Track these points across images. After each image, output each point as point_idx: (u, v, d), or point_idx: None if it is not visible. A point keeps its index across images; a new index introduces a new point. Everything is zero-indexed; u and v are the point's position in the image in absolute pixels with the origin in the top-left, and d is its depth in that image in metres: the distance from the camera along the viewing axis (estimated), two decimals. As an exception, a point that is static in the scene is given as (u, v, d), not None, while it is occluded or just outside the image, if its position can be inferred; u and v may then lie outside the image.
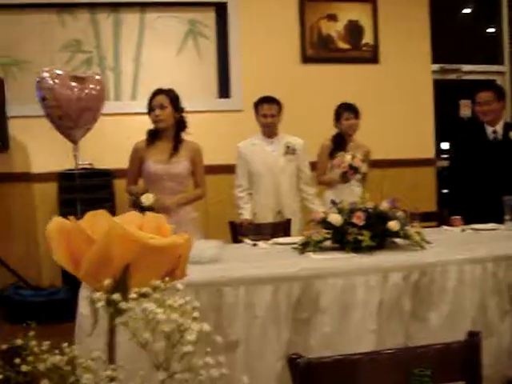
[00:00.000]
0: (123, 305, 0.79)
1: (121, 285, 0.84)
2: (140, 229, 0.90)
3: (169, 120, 4.05)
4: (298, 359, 1.35)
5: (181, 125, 4.10)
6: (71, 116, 4.55)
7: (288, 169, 4.82)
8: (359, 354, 1.39)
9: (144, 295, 0.80)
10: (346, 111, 5.03)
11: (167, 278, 0.88)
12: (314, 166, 5.14)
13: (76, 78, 4.74)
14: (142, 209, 3.87)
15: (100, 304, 0.80)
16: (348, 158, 4.73)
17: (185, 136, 4.15)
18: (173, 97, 4.09)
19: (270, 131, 4.82)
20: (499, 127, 4.76)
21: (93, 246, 0.86)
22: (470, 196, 4.77)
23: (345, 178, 4.79)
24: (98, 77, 4.99)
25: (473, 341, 1.51)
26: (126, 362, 0.92)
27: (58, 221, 0.90)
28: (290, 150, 4.82)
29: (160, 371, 0.77)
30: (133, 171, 4.16)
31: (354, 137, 5.10)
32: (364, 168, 4.79)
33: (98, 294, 0.80)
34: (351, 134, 5.06)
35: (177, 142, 4.08)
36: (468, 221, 4.30)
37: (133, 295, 0.80)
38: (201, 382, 0.80)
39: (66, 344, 0.87)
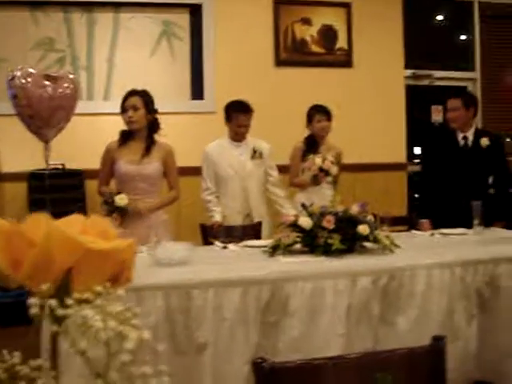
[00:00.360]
0: (60, 311, 0.78)
1: (62, 290, 0.82)
2: (84, 232, 0.89)
3: (141, 121, 4.04)
4: (262, 363, 1.35)
5: (154, 126, 4.09)
6: (42, 115, 4.50)
7: (255, 172, 4.81)
8: (323, 358, 1.39)
9: (83, 301, 0.79)
10: (318, 113, 5.05)
11: (110, 284, 0.86)
12: (286, 168, 5.15)
13: (48, 77, 4.69)
14: (116, 209, 3.86)
15: (34, 310, 0.78)
16: (318, 160, 4.76)
17: (158, 138, 4.14)
18: (146, 98, 4.08)
19: (241, 137, 4.80)
20: (470, 134, 4.82)
21: (33, 249, 0.84)
22: (439, 201, 4.82)
23: (316, 180, 4.82)
24: (71, 76, 4.94)
25: (437, 345, 1.52)
26: (71, 369, 0.91)
27: None
28: (257, 155, 4.81)
29: (98, 380, 0.76)
30: (105, 172, 4.14)
31: (326, 139, 5.12)
32: (334, 170, 4.81)
33: (33, 300, 0.79)
34: (323, 135, 5.08)
35: (149, 144, 4.07)
36: (438, 225, 4.34)
37: (70, 301, 0.78)
38: None
39: (5, 351, 0.85)
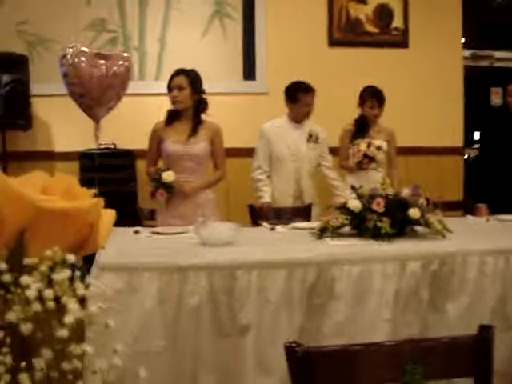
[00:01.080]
0: (6, 277, 0.72)
1: (15, 253, 0.76)
2: (45, 191, 0.83)
3: (187, 101, 4.01)
4: (295, 347, 1.29)
5: (200, 106, 4.05)
6: (93, 94, 4.51)
7: (309, 156, 4.77)
8: (359, 344, 1.32)
9: (32, 267, 0.73)
10: (371, 99, 4.92)
11: (76, 249, 0.80)
12: (337, 150, 5.06)
13: (100, 56, 4.69)
14: (163, 185, 3.86)
15: None
16: (363, 146, 4.66)
17: (206, 117, 4.10)
18: (193, 78, 4.04)
19: (306, 117, 4.75)
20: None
21: None
22: (497, 186, 4.65)
23: (359, 167, 4.72)
24: (124, 55, 4.92)
25: (484, 335, 1.44)
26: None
27: None
28: (313, 138, 4.76)
29: (35, 358, 0.69)
30: (152, 152, 4.14)
31: (378, 120, 5.00)
32: (380, 156, 4.70)
33: None
34: (373, 121, 4.97)
35: (196, 123, 4.04)
36: (495, 211, 4.19)
37: (3, 266, 0.72)
38: (78, 370, 0.70)
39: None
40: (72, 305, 0.69)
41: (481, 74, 7.05)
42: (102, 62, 4.63)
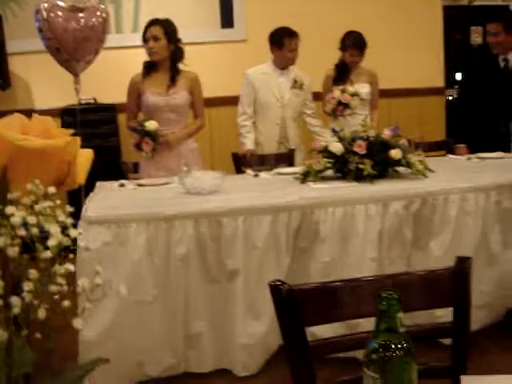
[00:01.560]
0: None
1: None
2: (24, 132, 0.86)
3: (163, 52, 3.96)
4: (280, 286, 1.33)
5: (177, 56, 4.01)
6: (68, 48, 4.44)
7: (294, 102, 4.75)
8: (341, 280, 1.37)
9: (14, 201, 0.77)
10: (352, 47, 4.88)
11: (57, 186, 0.84)
12: (319, 96, 5.05)
13: (75, 9, 4.60)
14: (148, 134, 3.84)
15: None
16: (337, 93, 4.65)
17: (183, 67, 4.06)
18: (168, 27, 3.98)
19: (292, 62, 4.72)
20: (511, 56, 4.62)
21: None
22: (478, 125, 4.68)
23: (334, 114, 4.72)
24: (101, 6, 4.82)
25: (461, 267, 1.48)
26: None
27: None
28: (297, 85, 4.74)
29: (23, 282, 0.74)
30: (132, 105, 4.11)
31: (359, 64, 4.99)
32: (355, 103, 4.68)
33: None
34: (354, 66, 4.95)
35: (173, 73, 4.00)
36: (476, 150, 4.23)
37: None
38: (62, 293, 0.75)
39: None
40: (54, 229, 0.73)
41: (460, 12, 7.00)
42: (77, 15, 4.55)
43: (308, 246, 2.97)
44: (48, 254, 0.74)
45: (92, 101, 5.71)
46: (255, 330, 2.94)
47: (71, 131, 0.90)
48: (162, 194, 3.27)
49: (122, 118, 5.48)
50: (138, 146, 3.88)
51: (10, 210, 0.73)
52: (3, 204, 0.73)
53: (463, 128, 4.88)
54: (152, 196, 3.25)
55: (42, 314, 0.74)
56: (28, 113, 5.19)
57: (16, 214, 0.72)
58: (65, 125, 5.57)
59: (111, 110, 5.72)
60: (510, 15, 4.81)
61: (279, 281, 1.35)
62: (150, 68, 4.03)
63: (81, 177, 0.92)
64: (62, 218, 0.76)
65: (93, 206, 3.00)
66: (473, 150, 4.29)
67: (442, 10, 6.64)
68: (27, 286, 0.73)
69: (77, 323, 0.77)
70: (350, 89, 4.69)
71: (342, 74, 4.89)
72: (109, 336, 2.72)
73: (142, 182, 3.69)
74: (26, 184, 0.79)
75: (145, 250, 2.80)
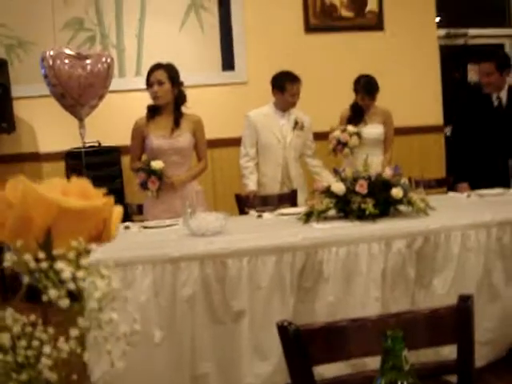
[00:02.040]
0: (32, 265, 0.81)
1: (43, 248, 0.85)
2: (64, 193, 0.92)
3: (167, 96, 4.04)
4: (287, 326, 1.36)
5: (180, 99, 4.09)
6: (73, 94, 4.54)
7: (296, 143, 4.82)
8: (347, 320, 1.40)
9: (60, 257, 0.83)
10: (363, 91, 4.99)
11: (92, 242, 0.90)
12: (321, 136, 5.13)
13: (79, 56, 4.72)
14: (154, 173, 3.89)
15: (7, 263, 0.82)
16: (337, 132, 4.77)
17: (185, 110, 4.14)
18: (171, 71, 4.07)
19: (293, 106, 4.80)
20: (503, 93, 4.70)
21: (12, 210, 0.88)
22: (475, 162, 4.73)
23: (334, 152, 4.85)
24: (104, 53, 4.95)
25: (464, 305, 1.52)
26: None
27: None
28: (298, 126, 4.82)
29: (71, 328, 0.80)
30: (136, 148, 4.16)
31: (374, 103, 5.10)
32: (353, 142, 4.79)
33: (7, 254, 0.83)
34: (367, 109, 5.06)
35: (177, 116, 4.08)
36: (474, 186, 4.28)
37: (42, 255, 0.82)
38: (106, 338, 0.82)
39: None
40: (99, 282, 0.80)
41: (457, 51, 7.14)
42: (83, 62, 4.67)
43: (312, 286, 3.00)
44: (94, 304, 0.79)
45: (96, 144, 5.79)
46: (261, 371, 2.95)
47: (104, 190, 0.96)
48: (167, 236, 3.31)
49: (125, 161, 5.56)
50: (144, 185, 3.92)
51: (59, 265, 0.78)
52: (51, 260, 0.79)
53: (462, 165, 4.91)
54: (157, 238, 3.29)
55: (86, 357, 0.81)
56: (32, 156, 5.26)
57: (65, 269, 0.78)
58: (69, 168, 5.65)
59: (115, 152, 5.80)
60: (502, 55, 4.87)
61: (286, 321, 1.38)
62: (153, 112, 4.10)
63: (114, 232, 0.98)
64: (104, 271, 0.82)
65: (99, 248, 3.03)
66: (472, 186, 4.34)
67: (441, 49, 6.77)
68: (74, 332, 0.79)
69: (118, 364, 0.84)
70: (351, 128, 4.78)
71: (357, 114, 5.00)
72: (115, 377, 2.73)
73: (146, 224, 3.73)
74: (66, 240, 0.85)
75: (151, 291, 2.84)
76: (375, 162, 4.66)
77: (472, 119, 4.80)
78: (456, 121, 5.29)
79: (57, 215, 0.87)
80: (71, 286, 0.80)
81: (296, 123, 4.81)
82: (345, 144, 4.79)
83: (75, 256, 0.83)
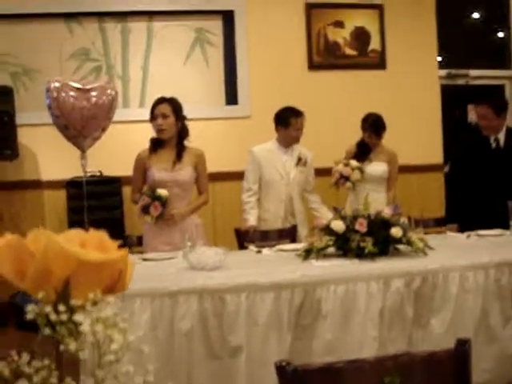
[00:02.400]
0: (53, 317, 0.83)
1: (62, 297, 0.88)
2: (82, 245, 0.94)
3: (171, 129, 4.08)
4: (285, 366, 1.37)
5: (183, 133, 4.13)
6: (76, 125, 4.58)
7: (299, 179, 4.85)
8: (344, 361, 1.41)
9: (78, 308, 0.85)
10: (370, 130, 5.08)
11: (107, 292, 0.92)
12: (323, 172, 5.16)
13: (84, 88, 4.76)
14: (157, 198, 3.89)
15: (31, 315, 0.84)
16: (340, 166, 4.83)
17: (188, 143, 4.18)
18: (175, 105, 4.11)
19: (297, 141, 4.85)
20: (501, 134, 4.75)
21: (34, 261, 0.90)
22: (473, 202, 4.75)
23: (336, 186, 4.92)
24: (108, 85, 5.00)
25: (462, 349, 1.53)
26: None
27: (5, 237, 0.95)
28: (302, 162, 4.85)
29: (88, 377, 0.82)
30: (137, 180, 4.19)
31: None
32: (355, 176, 4.86)
33: (30, 306, 0.85)
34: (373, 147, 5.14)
35: (180, 150, 4.11)
36: (472, 227, 4.28)
37: (62, 308, 0.84)
38: None
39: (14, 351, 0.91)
40: (116, 336, 0.82)
41: (458, 92, 7.21)
42: (86, 94, 4.71)
43: (310, 324, 3.00)
44: (112, 357, 0.81)
45: (98, 173, 5.82)
46: (257, 407, 2.94)
47: (119, 242, 1.00)
48: (166, 269, 3.32)
49: (126, 191, 5.58)
50: (146, 209, 3.92)
51: (78, 318, 0.81)
52: (69, 311, 0.81)
53: (457, 205, 4.94)
54: (156, 271, 3.30)
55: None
56: (34, 183, 5.28)
57: (85, 322, 0.80)
58: (70, 196, 5.68)
59: (116, 182, 5.83)
60: (499, 98, 4.92)
61: (285, 361, 1.39)
62: (156, 144, 4.14)
63: (128, 282, 1.01)
64: (121, 324, 0.84)
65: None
66: (470, 227, 4.34)
67: (442, 88, 6.84)
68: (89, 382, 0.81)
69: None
70: (354, 163, 4.83)
71: (363, 151, 5.07)
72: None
73: (146, 256, 3.74)
74: (84, 291, 0.87)
75: (149, 324, 2.84)
76: (378, 199, 4.69)
77: (470, 160, 4.84)
78: (454, 160, 5.33)
79: (76, 267, 0.90)
80: (90, 338, 0.82)
81: (299, 159, 4.84)
82: (347, 178, 4.85)
83: (93, 307, 0.85)
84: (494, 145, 4.77)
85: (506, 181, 4.65)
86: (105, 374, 0.83)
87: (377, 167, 5.08)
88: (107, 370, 0.83)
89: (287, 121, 4.75)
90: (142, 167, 4.15)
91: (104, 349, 0.83)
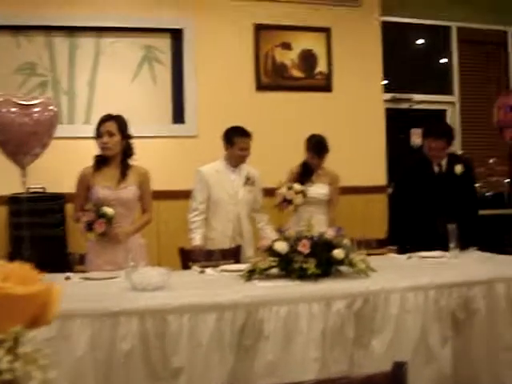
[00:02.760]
0: None
1: None
2: (5, 279, 0.93)
3: (116, 147, 4.04)
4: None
5: (128, 151, 4.10)
6: (15, 142, 4.49)
7: (247, 198, 4.88)
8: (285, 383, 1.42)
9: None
10: (313, 151, 5.18)
11: (31, 325, 0.91)
12: (269, 192, 5.19)
13: (24, 104, 4.67)
14: (103, 215, 3.83)
15: None
16: (283, 190, 4.93)
17: (133, 161, 4.15)
18: (121, 123, 4.08)
19: (243, 161, 4.86)
20: (443, 160, 4.91)
21: None
22: (415, 224, 4.85)
23: (279, 208, 5.01)
24: (49, 102, 4.92)
25: (398, 371, 1.55)
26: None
27: None
28: (250, 182, 4.88)
29: None
30: (80, 197, 4.12)
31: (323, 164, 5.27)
32: (298, 200, 4.96)
33: None
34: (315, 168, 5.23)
35: (124, 168, 4.08)
36: (413, 248, 4.36)
37: None
38: None
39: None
40: (35, 373, 0.80)
41: (401, 115, 7.38)
42: (27, 110, 4.63)
43: (252, 345, 2.99)
44: None
45: (41, 190, 5.72)
46: (197, 430, 2.91)
47: (41, 274, 0.98)
48: (108, 289, 3.27)
49: (69, 208, 5.49)
50: (90, 226, 3.86)
51: None
52: None
53: (397, 227, 5.05)
54: (98, 291, 3.25)
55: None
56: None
57: (3, 360, 0.78)
58: (12, 212, 5.56)
59: (60, 199, 5.74)
60: (451, 132, 5.07)
61: (226, 382, 1.39)
62: (101, 162, 4.09)
63: (53, 315, 0.99)
64: (42, 361, 0.83)
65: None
66: (412, 248, 4.42)
67: (386, 112, 6.99)
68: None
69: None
70: (297, 187, 4.90)
71: (306, 172, 5.16)
72: None
73: (87, 275, 3.68)
74: (6, 326, 0.85)
75: (88, 345, 2.78)
76: (319, 222, 4.77)
77: (413, 183, 4.96)
78: (398, 182, 5.43)
79: (-1, 301, 0.88)
80: (7, 375, 0.81)
81: (247, 179, 4.87)
82: (290, 201, 4.92)
83: (13, 344, 0.84)
84: (436, 169, 4.89)
85: (447, 203, 4.78)
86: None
87: (318, 190, 5.19)
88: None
89: (232, 140, 4.79)
90: (85, 184, 4.09)
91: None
